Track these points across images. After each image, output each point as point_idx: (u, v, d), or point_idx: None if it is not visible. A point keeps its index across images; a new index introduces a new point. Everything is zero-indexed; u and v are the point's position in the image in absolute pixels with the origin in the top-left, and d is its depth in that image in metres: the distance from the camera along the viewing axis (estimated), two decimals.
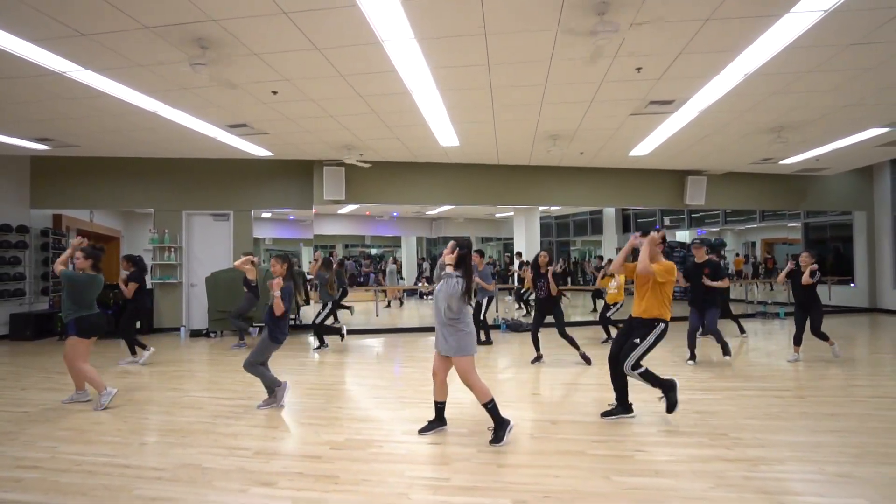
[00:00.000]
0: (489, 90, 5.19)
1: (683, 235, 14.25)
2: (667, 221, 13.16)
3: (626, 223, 15.09)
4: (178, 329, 8.61)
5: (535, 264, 6.06)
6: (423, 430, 3.65)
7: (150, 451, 3.40)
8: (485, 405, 3.48)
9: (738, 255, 14.08)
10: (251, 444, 3.51)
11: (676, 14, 3.69)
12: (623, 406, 4.00)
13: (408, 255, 18.02)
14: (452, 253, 3.45)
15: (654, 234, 3.79)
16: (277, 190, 9.03)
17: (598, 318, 7.62)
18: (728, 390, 4.82)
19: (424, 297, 14.48)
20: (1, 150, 7.54)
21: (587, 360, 5.93)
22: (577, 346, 5.95)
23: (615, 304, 7.19)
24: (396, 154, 8.14)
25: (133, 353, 6.30)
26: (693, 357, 5.96)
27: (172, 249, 8.67)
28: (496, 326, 9.13)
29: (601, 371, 5.69)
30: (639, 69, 4.70)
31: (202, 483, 2.92)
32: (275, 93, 5.17)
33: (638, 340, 3.76)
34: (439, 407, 3.69)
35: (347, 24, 3.71)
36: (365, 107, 5.66)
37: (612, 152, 8.16)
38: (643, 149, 7.88)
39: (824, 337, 5.82)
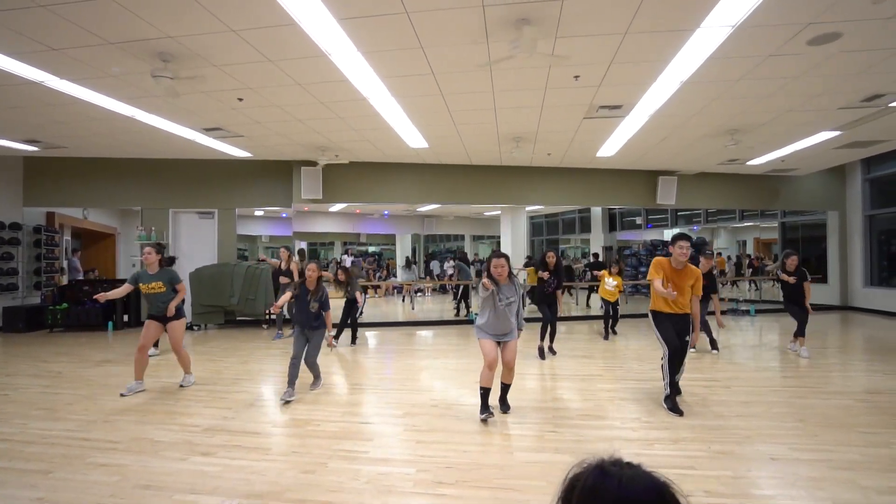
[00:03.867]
0: (441, 96, 5.50)
1: (670, 234, 14.52)
2: (638, 220, 13.40)
3: (613, 222, 15.39)
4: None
5: (542, 262, 6.32)
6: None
7: (110, 428, 3.77)
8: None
9: (719, 254, 14.32)
10: (202, 422, 3.87)
11: (595, 29, 3.99)
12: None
13: (402, 253, 18.42)
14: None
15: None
16: (260, 189, 9.40)
17: (604, 318, 7.83)
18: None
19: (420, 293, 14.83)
20: None
21: (542, 355, 6.26)
22: (552, 339, 6.35)
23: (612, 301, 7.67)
24: (369, 155, 8.48)
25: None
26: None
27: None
28: (470, 321, 9.47)
29: (555, 362, 6.01)
30: (577, 77, 4.99)
31: (150, 453, 3.29)
32: (240, 100, 5.52)
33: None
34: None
35: (292, 39, 4.04)
36: (328, 112, 5.99)
37: (579, 153, 8.45)
38: (608, 150, 8.16)
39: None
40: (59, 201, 9.11)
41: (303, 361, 4.61)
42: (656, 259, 4.22)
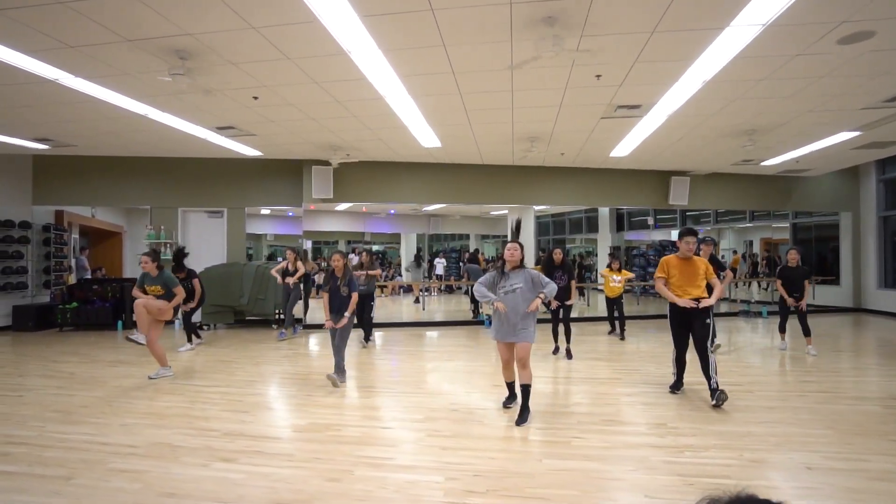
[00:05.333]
0: (459, 96, 5.43)
1: (678, 234, 14.40)
2: (650, 221, 13.30)
3: (620, 222, 15.30)
4: (172, 322, 8.95)
5: (549, 259, 6.37)
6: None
7: (127, 431, 3.71)
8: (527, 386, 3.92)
9: (734, 251, 14.24)
10: (220, 426, 3.81)
11: (622, 27, 3.91)
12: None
13: (407, 252, 18.39)
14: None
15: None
16: (269, 188, 9.34)
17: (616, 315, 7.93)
18: (687, 384, 5.02)
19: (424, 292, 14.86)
20: (3, 150, 7.90)
21: (556, 352, 6.36)
22: (568, 339, 6.32)
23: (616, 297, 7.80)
24: (381, 154, 8.40)
25: (189, 340, 7.05)
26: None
27: (168, 245, 9.01)
28: (480, 322, 9.41)
29: (569, 365, 5.94)
30: (598, 76, 4.91)
31: (170, 458, 3.23)
32: (256, 98, 5.45)
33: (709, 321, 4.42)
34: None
35: (312, 36, 3.97)
36: (343, 111, 5.92)
37: (593, 153, 8.36)
38: (622, 150, 8.08)
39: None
40: (68, 200, 9.07)
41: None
42: (663, 258, 4.57)
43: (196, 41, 4.05)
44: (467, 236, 19.69)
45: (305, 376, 5.46)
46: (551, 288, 3.81)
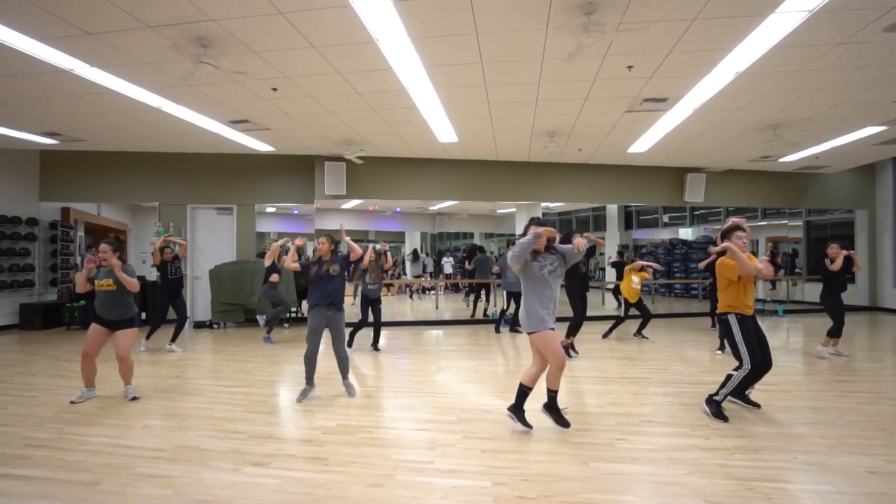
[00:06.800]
0: (484, 87, 5.28)
1: (686, 233, 14.28)
2: (666, 219, 13.17)
3: (629, 220, 15.14)
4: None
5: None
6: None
7: (150, 434, 3.56)
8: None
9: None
10: (247, 428, 3.66)
11: (663, 14, 3.77)
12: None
13: (411, 250, 18.21)
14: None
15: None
16: (280, 185, 9.19)
17: (623, 315, 7.54)
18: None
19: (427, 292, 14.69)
20: (11, 145, 7.74)
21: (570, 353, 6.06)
22: (574, 334, 6.10)
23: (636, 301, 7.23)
24: (396, 149, 8.25)
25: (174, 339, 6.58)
26: None
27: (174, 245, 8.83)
28: (493, 320, 9.25)
29: (589, 364, 5.80)
30: (630, 67, 4.77)
31: (198, 463, 3.08)
32: (274, 89, 5.30)
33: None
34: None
35: (342, 23, 3.82)
36: (363, 103, 5.77)
37: (611, 149, 8.22)
38: (641, 146, 7.94)
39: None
40: (76, 196, 8.90)
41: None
42: (722, 260, 3.89)
43: (219, 27, 3.90)
44: (472, 235, 19.55)
45: (326, 376, 5.28)
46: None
